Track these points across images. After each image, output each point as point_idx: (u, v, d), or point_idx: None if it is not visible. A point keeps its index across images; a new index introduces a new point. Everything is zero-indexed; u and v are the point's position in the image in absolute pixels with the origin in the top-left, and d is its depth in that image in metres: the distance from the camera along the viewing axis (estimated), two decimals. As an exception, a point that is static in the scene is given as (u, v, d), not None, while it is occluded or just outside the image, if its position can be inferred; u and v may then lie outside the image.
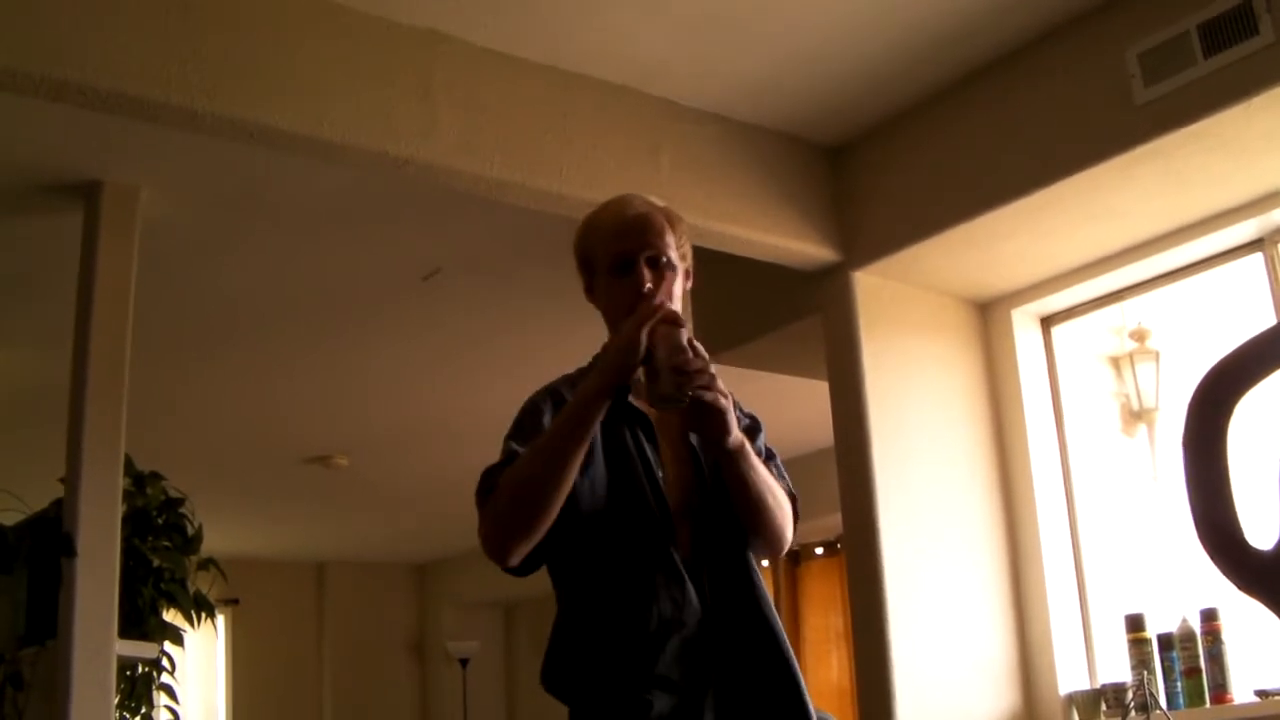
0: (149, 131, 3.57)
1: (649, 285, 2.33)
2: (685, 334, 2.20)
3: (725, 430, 2.20)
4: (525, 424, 2.34)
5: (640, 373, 2.22)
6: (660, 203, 2.48)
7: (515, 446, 2.28)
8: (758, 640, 2.31)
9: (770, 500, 2.36)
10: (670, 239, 2.42)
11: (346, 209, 4.65)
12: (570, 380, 2.43)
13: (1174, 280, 4.54)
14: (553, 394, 2.40)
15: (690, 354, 2.17)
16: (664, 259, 2.39)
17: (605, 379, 2.21)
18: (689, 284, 2.48)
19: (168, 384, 6.14)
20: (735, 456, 2.26)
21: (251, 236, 4.82)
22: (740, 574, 2.36)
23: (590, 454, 2.25)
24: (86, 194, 4.14)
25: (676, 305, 2.36)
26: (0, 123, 3.84)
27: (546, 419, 2.31)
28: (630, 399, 2.37)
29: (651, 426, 2.37)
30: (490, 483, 2.24)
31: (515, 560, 2.22)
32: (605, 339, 2.42)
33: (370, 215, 4.71)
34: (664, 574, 2.25)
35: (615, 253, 2.39)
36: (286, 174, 4.29)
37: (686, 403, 2.16)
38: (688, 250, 2.48)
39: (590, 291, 2.50)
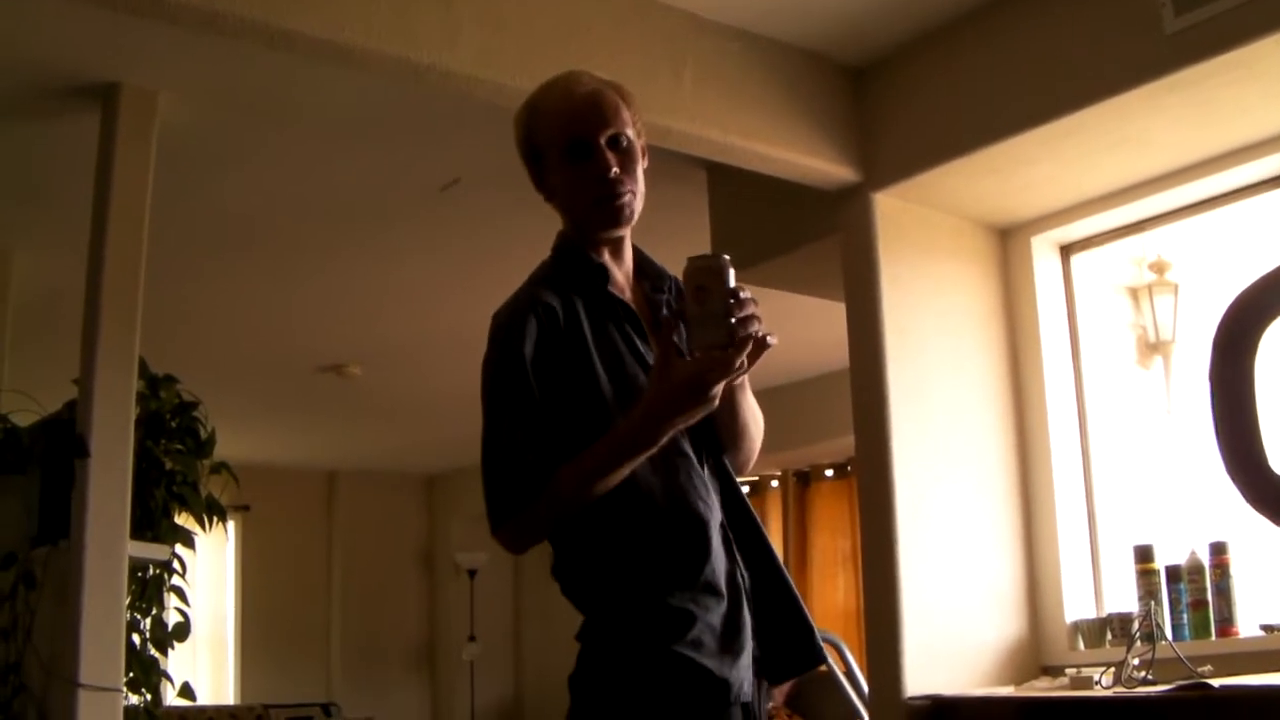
0: (168, 34, 3.54)
1: (622, 181, 2.23)
2: (732, 274, 2.04)
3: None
4: (510, 379, 2.17)
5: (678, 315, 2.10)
6: (606, 77, 2.36)
7: (514, 414, 2.16)
8: (759, 549, 2.27)
9: (755, 427, 2.35)
10: (626, 115, 2.31)
11: (366, 117, 4.62)
12: (538, 283, 2.26)
13: (1197, 213, 4.50)
14: (530, 310, 2.20)
15: (742, 299, 2.02)
16: (624, 139, 2.28)
17: (672, 424, 2.06)
18: (646, 164, 2.36)
19: (183, 289, 6.14)
20: (744, 382, 2.22)
21: (270, 143, 4.79)
22: (733, 481, 2.33)
23: (585, 357, 2.17)
24: (104, 97, 4.12)
25: (639, 187, 2.29)
26: (18, 23, 3.81)
27: (528, 347, 2.16)
28: (610, 289, 2.27)
29: (638, 321, 2.28)
30: (521, 482, 2.11)
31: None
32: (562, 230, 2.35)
33: (390, 124, 4.68)
34: (691, 473, 2.20)
35: (570, 135, 2.27)
36: (306, 81, 4.26)
37: (735, 346, 2.00)
38: (642, 127, 2.36)
39: (541, 184, 2.35)
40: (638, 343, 2.24)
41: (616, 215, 2.28)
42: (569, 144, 2.27)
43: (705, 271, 2.03)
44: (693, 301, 2.03)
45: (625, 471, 2.10)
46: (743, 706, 2.12)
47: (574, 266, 2.29)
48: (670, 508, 2.16)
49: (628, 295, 2.32)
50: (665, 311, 2.27)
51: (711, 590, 2.13)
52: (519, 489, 2.11)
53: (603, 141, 2.26)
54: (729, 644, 2.12)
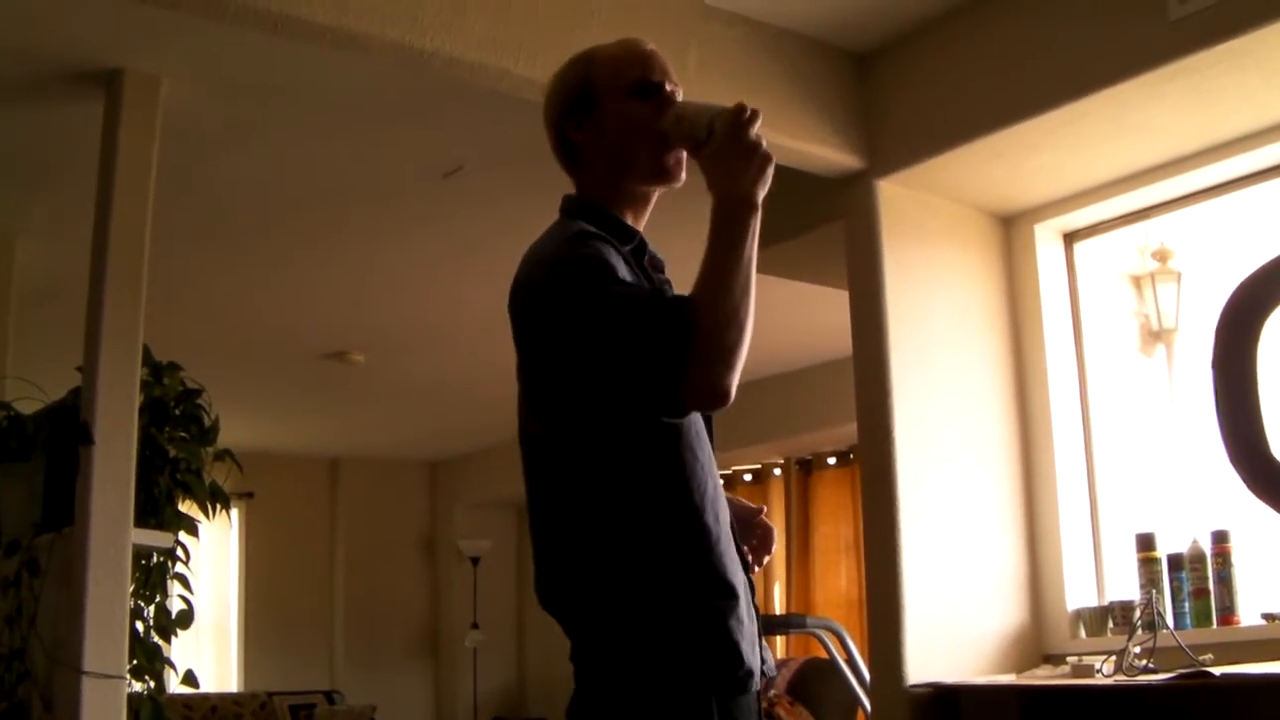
0: (172, 19, 3.54)
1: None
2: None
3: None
4: (610, 273, 2.08)
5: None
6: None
7: (629, 290, 2.07)
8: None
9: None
10: None
11: (369, 103, 4.62)
12: (592, 236, 2.17)
13: (1200, 200, 4.49)
14: (602, 244, 2.13)
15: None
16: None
17: (757, 190, 2.17)
18: None
19: (187, 276, 6.14)
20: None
21: (273, 129, 4.79)
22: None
23: None
24: (108, 83, 4.11)
25: None
26: (22, 9, 3.81)
27: (623, 272, 2.10)
28: (645, 263, 2.27)
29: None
30: (667, 323, 2.01)
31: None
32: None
33: (393, 110, 4.68)
34: (709, 461, 2.18)
35: (642, 73, 2.29)
36: (310, 66, 4.26)
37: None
38: None
39: (577, 126, 2.30)
40: None
41: (678, 168, 2.31)
42: (639, 81, 2.28)
43: (673, 118, 2.22)
44: (672, 124, 2.22)
45: (746, 257, 2.17)
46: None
47: (610, 229, 2.24)
48: (713, 514, 2.13)
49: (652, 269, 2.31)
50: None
51: (733, 592, 2.11)
52: (682, 329, 2.01)
53: (669, 88, 2.30)
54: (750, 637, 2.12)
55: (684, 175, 2.31)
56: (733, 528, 2.20)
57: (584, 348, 2.08)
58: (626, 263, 2.15)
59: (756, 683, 2.10)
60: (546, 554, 2.17)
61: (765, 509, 2.39)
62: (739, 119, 2.14)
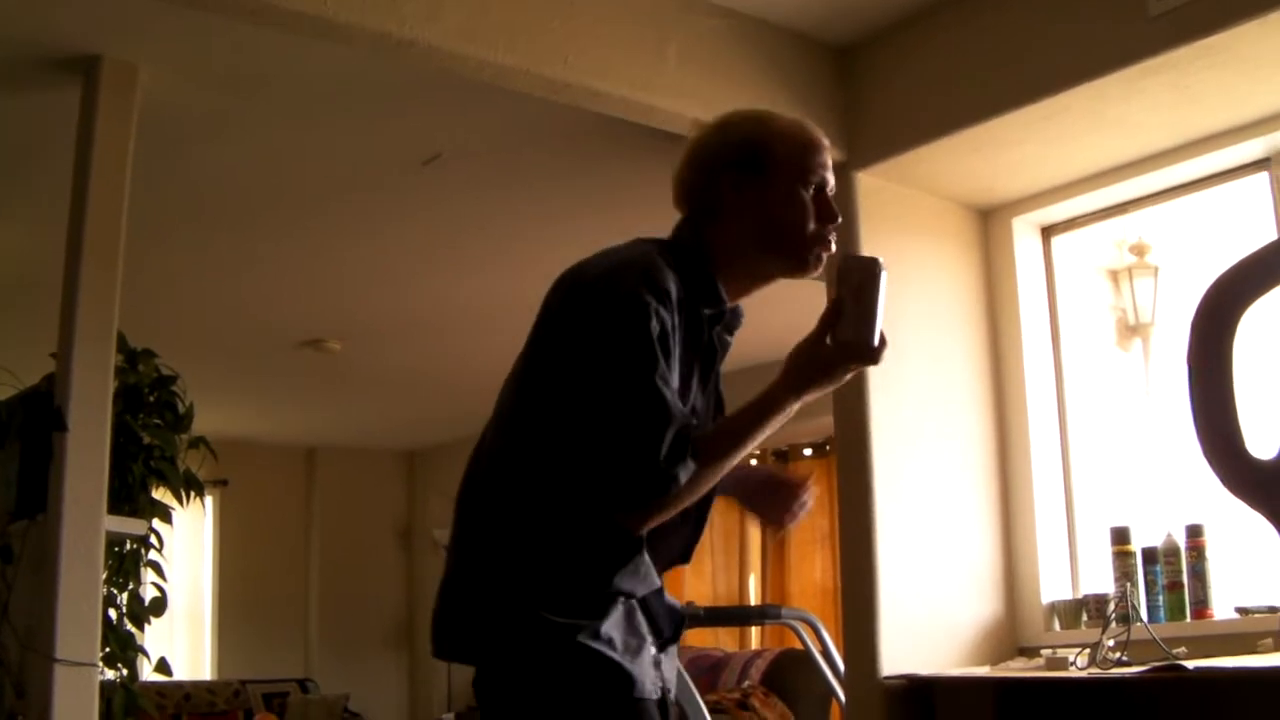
0: (150, 6, 3.53)
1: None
2: (885, 280, 2.17)
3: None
4: (652, 346, 2.07)
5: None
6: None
7: (664, 395, 2.06)
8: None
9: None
10: None
11: (348, 92, 4.60)
12: (657, 268, 2.16)
13: (1177, 195, 4.51)
14: (662, 295, 2.12)
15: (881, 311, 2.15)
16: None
17: (801, 396, 2.17)
18: None
19: (163, 263, 6.12)
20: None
21: (251, 117, 4.77)
22: None
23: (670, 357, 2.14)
24: (85, 70, 4.09)
25: None
26: (-1, -7, 3.79)
27: (654, 325, 2.08)
28: (715, 332, 2.29)
29: (713, 364, 2.31)
30: (674, 455, 2.04)
31: None
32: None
33: (372, 99, 4.66)
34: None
35: (821, 170, 2.30)
36: (288, 54, 4.24)
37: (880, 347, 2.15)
38: None
39: (735, 185, 2.28)
40: (695, 380, 2.25)
41: (816, 264, 2.32)
42: (817, 177, 2.30)
43: (867, 273, 2.16)
44: (850, 296, 2.15)
45: (753, 444, 2.17)
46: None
47: (701, 287, 2.25)
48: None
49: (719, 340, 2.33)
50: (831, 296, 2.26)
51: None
52: (669, 477, 2.06)
53: (828, 197, 2.32)
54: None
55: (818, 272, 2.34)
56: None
57: (581, 394, 2.11)
58: (682, 324, 2.17)
59: (649, 692, 2.17)
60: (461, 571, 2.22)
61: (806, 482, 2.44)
62: (867, 358, 2.18)
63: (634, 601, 2.19)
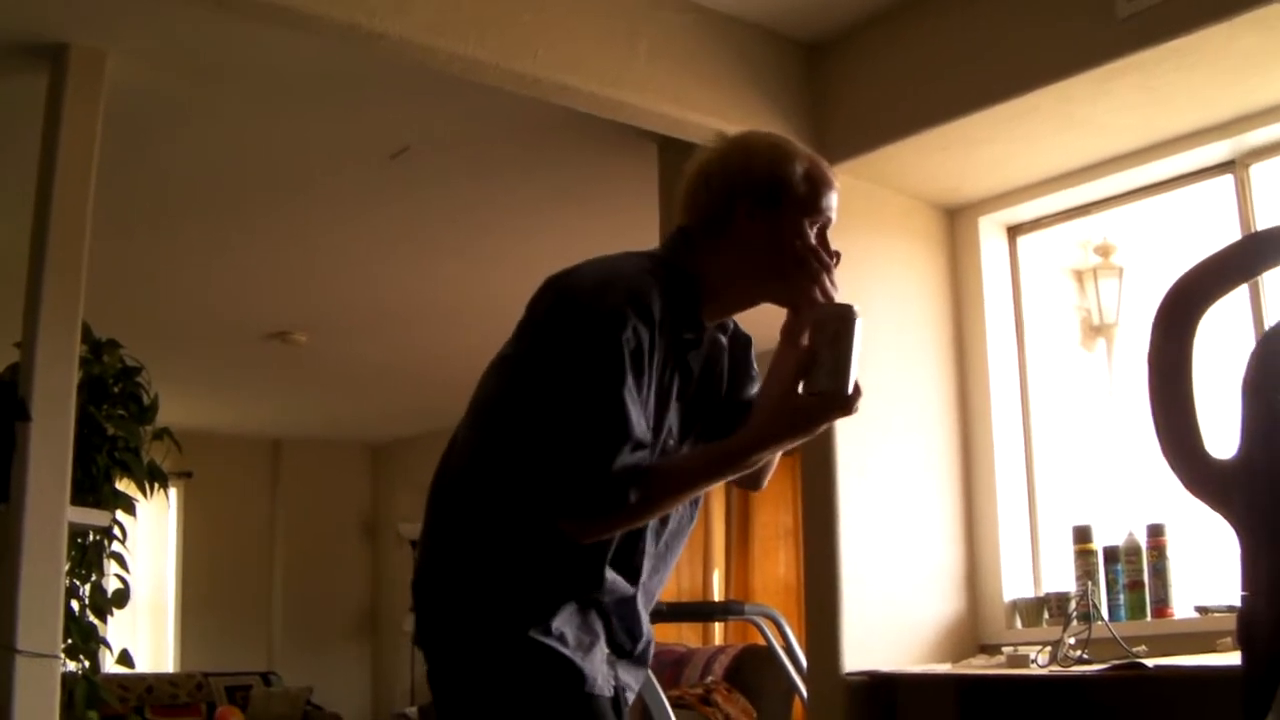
0: (118, -7, 3.51)
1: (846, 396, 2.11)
2: (860, 329, 2.12)
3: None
4: (624, 362, 2.08)
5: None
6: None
7: (626, 409, 2.07)
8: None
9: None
10: None
11: (316, 83, 4.59)
12: (644, 287, 2.16)
13: (1143, 197, 4.54)
14: (645, 314, 2.12)
15: (856, 360, 2.10)
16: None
17: (772, 449, 2.16)
18: None
19: (129, 254, 6.09)
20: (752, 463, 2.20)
21: (219, 107, 4.75)
22: None
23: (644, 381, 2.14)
24: (53, 57, 4.06)
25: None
26: (-35, -22, 3.77)
27: (631, 339, 2.09)
28: (689, 356, 2.27)
29: (689, 382, 2.29)
30: (626, 472, 2.05)
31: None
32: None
33: (340, 90, 4.65)
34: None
35: (828, 215, 2.30)
36: (256, 44, 4.22)
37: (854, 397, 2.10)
38: None
39: (749, 213, 2.27)
40: (673, 401, 2.25)
41: (810, 303, 2.28)
42: (824, 217, 2.30)
43: (842, 320, 2.11)
44: (824, 344, 2.11)
45: (713, 485, 2.21)
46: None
47: (683, 307, 2.24)
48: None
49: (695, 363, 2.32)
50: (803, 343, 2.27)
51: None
52: (620, 493, 2.07)
53: (828, 239, 2.32)
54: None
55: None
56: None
57: (549, 399, 2.12)
58: (662, 346, 2.17)
59: (601, 689, 2.19)
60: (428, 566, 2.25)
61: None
62: (842, 409, 2.12)
63: (591, 603, 2.21)
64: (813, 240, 2.28)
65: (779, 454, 2.31)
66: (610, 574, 2.19)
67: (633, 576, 2.26)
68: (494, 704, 2.15)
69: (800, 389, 2.12)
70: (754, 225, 2.26)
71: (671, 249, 2.33)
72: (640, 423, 2.09)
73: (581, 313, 2.13)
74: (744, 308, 2.36)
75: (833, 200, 2.31)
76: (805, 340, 2.22)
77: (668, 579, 2.41)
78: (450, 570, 2.20)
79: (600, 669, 2.19)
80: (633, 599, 2.27)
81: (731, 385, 2.41)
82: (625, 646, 2.29)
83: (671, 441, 2.23)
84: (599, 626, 2.22)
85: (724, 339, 2.40)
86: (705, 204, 2.31)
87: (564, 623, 2.15)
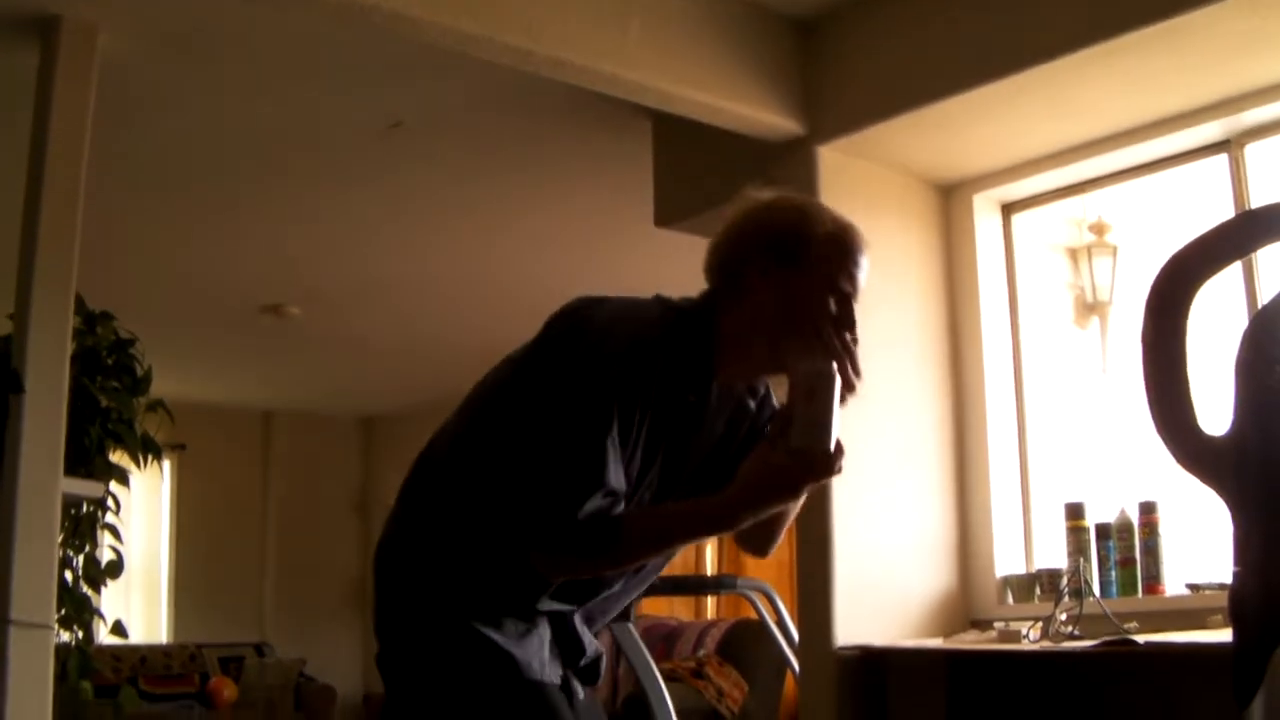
0: (111, -35, 3.49)
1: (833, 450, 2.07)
2: (839, 386, 2.07)
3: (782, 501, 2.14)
4: (611, 410, 2.09)
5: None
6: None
7: (599, 457, 2.06)
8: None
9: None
10: None
11: (310, 57, 4.58)
12: (653, 341, 2.16)
13: (1137, 176, 4.54)
14: (645, 367, 2.13)
15: (836, 418, 2.05)
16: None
17: (755, 513, 2.11)
18: None
19: (122, 227, 6.07)
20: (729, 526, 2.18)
21: (212, 80, 4.74)
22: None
23: (629, 433, 2.13)
24: (43, 30, 4.03)
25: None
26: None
27: (620, 386, 2.10)
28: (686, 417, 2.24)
29: (698, 433, 2.27)
30: (593, 521, 2.05)
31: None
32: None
33: (333, 64, 4.64)
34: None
35: (848, 285, 2.22)
36: (249, 18, 4.21)
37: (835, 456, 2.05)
38: None
39: (764, 270, 2.22)
40: (658, 457, 2.22)
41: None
42: (842, 291, 2.23)
43: (820, 377, 2.07)
44: (801, 402, 2.06)
45: (688, 542, 2.22)
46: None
47: (690, 361, 2.21)
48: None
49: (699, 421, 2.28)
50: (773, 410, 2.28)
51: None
52: (594, 537, 2.07)
53: (852, 309, 2.24)
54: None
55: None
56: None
57: (534, 425, 2.14)
58: (649, 399, 2.14)
59: (544, 675, 2.21)
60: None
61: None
62: (823, 468, 2.07)
63: (533, 611, 2.22)
64: (832, 310, 2.21)
65: (786, 520, 2.32)
66: (546, 597, 2.20)
67: (577, 601, 2.27)
68: (436, 692, 2.19)
69: (778, 448, 2.08)
70: (767, 281, 2.22)
71: (695, 304, 2.29)
72: (617, 471, 2.08)
73: (584, 349, 2.14)
74: (765, 372, 2.33)
75: (856, 269, 2.24)
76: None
77: (618, 610, 2.43)
78: (409, 557, 2.24)
79: (538, 655, 2.20)
80: (569, 615, 2.29)
81: (747, 450, 2.32)
82: (569, 656, 2.31)
83: (648, 495, 2.22)
84: (541, 623, 2.24)
85: (752, 404, 2.37)
86: (724, 260, 2.28)
87: (505, 614, 2.17)
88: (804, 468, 2.06)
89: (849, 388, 2.15)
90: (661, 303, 2.28)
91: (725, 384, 2.28)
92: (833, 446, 2.05)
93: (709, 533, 2.24)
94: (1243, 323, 1.68)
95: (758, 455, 2.15)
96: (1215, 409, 1.69)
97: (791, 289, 2.21)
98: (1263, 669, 1.68)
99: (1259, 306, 3.73)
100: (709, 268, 2.30)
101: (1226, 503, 1.72)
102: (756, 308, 2.22)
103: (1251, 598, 1.70)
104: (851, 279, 2.23)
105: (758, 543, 2.40)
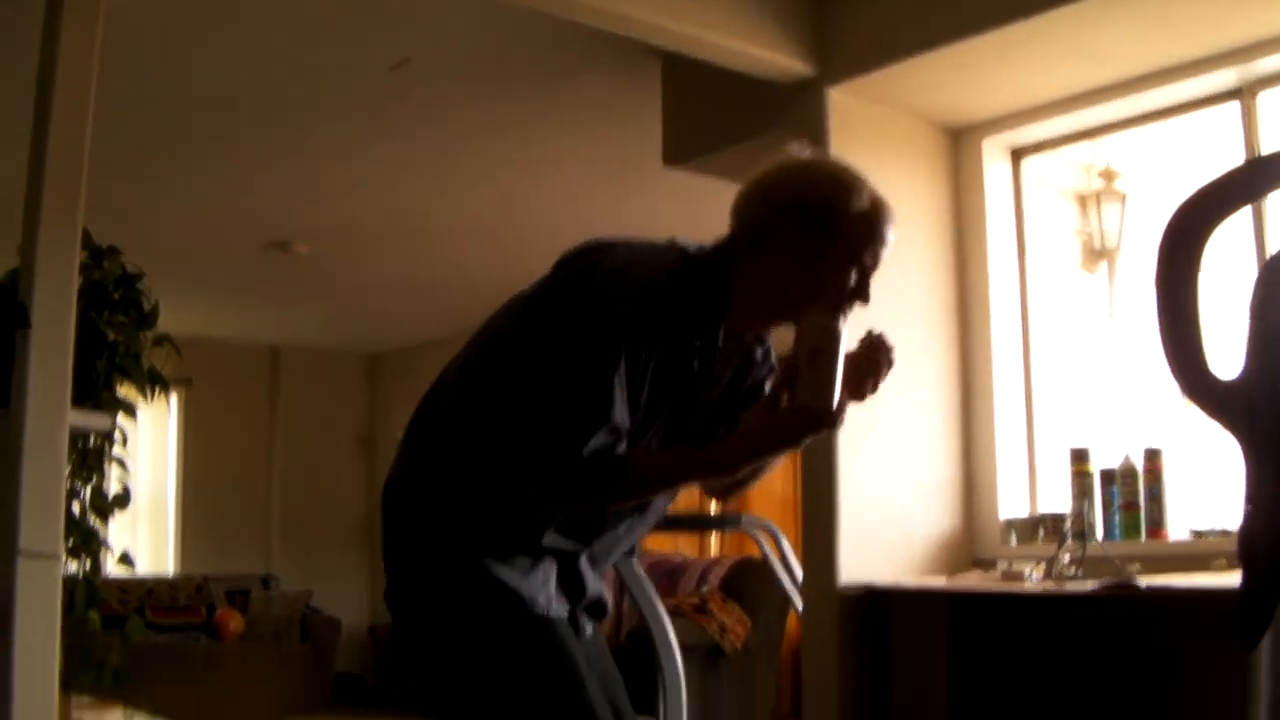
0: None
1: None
2: (845, 339, 2.11)
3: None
4: (619, 351, 2.10)
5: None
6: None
7: (604, 397, 2.09)
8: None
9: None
10: None
11: (318, -4, 4.56)
12: (662, 286, 2.17)
13: (1148, 123, 4.52)
14: (653, 311, 2.15)
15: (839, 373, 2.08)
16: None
17: (754, 461, 2.16)
18: None
19: (130, 163, 6.05)
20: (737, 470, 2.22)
21: (220, 22, 4.70)
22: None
23: (638, 379, 2.14)
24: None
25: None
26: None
27: (627, 332, 2.11)
28: (695, 362, 2.24)
29: (708, 378, 2.28)
30: (597, 457, 2.08)
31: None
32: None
33: (341, 5, 4.61)
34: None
35: (874, 258, 2.26)
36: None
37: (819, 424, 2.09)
38: None
39: (790, 239, 2.21)
40: (664, 403, 2.22)
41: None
42: (859, 265, 2.25)
43: (824, 334, 2.10)
44: (805, 361, 2.09)
45: (687, 484, 2.26)
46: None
47: (699, 308, 2.22)
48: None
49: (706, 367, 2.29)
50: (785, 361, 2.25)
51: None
52: (597, 474, 2.10)
53: (869, 283, 2.27)
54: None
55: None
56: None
57: (540, 365, 2.15)
58: (655, 343, 2.15)
59: (550, 610, 2.24)
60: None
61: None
62: (825, 424, 2.12)
63: (539, 547, 2.24)
64: (851, 283, 2.24)
65: (763, 473, 2.32)
66: (551, 533, 2.23)
67: (582, 540, 2.29)
68: (444, 626, 2.22)
69: (784, 403, 2.12)
70: (795, 249, 2.21)
71: (711, 252, 2.28)
72: (622, 410, 2.10)
73: (591, 291, 2.15)
74: (773, 324, 2.34)
75: (882, 250, 2.27)
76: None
77: (621, 551, 2.45)
78: (417, 493, 2.27)
79: (543, 591, 2.23)
80: (575, 556, 2.31)
81: (751, 398, 2.36)
82: (573, 596, 2.33)
83: (655, 442, 2.23)
84: (547, 560, 2.26)
85: (759, 353, 2.39)
86: (752, 217, 2.26)
87: (511, 551, 2.20)
88: (807, 422, 2.10)
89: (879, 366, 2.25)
90: (675, 249, 2.27)
91: (733, 333, 2.28)
92: (835, 403, 2.09)
93: (708, 477, 2.28)
94: (1251, 268, 1.69)
95: (762, 406, 2.20)
96: (1225, 353, 1.70)
97: (814, 260, 2.21)
98: (1271, 610, 1.69)
99: (1267, 251, 3.73)
100: (735, 213, 2.29)
101: (1239, 441, 1.73)
102: (775, 267, 2.22)
103: (1262, 537, 1.71)
104: (875, 257, 2.26)
105: (725, 489, 2.43)
